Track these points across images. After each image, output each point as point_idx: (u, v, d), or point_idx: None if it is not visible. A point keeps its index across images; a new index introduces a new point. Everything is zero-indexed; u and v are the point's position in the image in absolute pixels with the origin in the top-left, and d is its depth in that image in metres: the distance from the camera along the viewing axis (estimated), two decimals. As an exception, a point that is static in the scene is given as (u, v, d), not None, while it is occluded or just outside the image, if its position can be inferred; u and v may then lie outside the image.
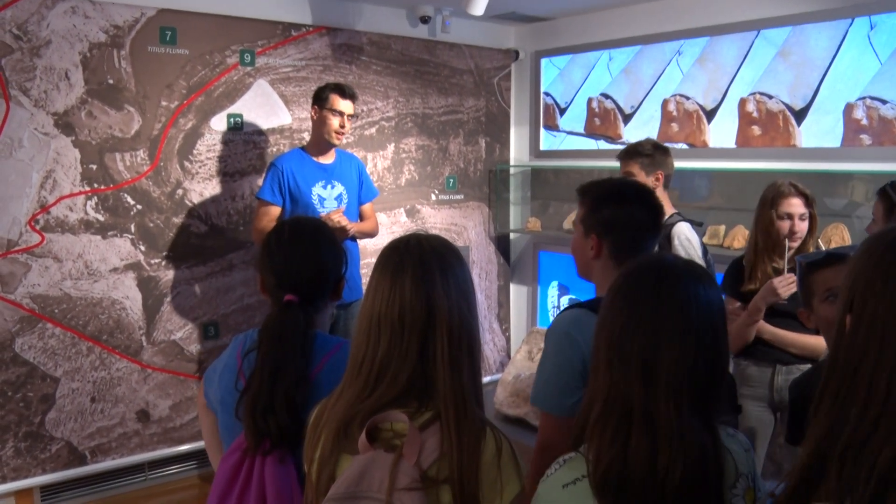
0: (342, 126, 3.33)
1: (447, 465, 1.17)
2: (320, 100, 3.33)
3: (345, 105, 3.32)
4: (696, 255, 2.94)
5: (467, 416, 1.20)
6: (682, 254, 2.92)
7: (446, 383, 1.21)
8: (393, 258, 1.28)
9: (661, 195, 3.08)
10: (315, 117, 3.37)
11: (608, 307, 1.20)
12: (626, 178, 1.84)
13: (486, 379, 4.79)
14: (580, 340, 1.62)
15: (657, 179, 3.02)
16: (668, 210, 3.07)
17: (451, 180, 4.59)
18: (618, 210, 1.75)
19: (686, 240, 2.92)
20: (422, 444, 1.16)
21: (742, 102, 3.67)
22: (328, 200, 3.41)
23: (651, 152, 3.02)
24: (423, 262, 1.26)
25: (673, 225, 2.98)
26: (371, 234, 3.58)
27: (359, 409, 1.21)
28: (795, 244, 2.67)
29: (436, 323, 1.23)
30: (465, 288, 1.29)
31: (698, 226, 3.05)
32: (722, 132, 3.77)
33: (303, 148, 3.46)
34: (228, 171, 3.68)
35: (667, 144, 3.89)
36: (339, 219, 3.25)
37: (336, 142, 3.39)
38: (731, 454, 1.20)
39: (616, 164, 3.15)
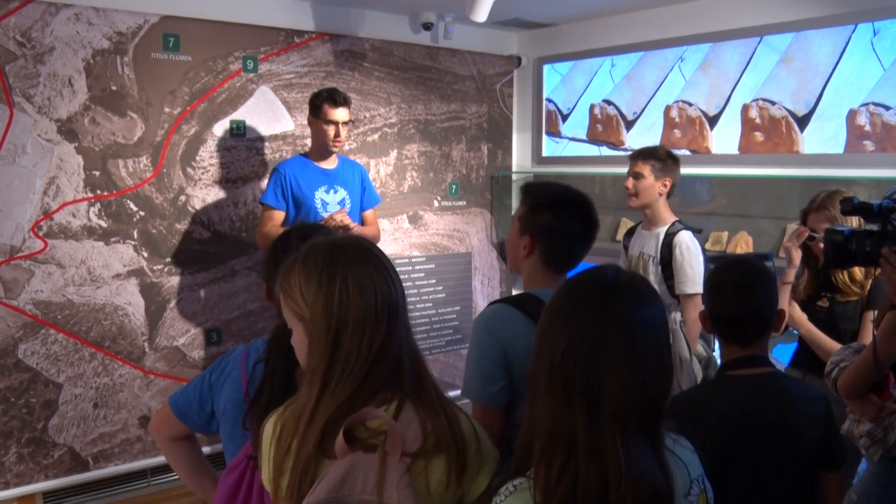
0: (337, 135, 3.33)
1: (434, 438, 1.18)
2: (314, 108, 3.33)
3: (338, 113, 3.30)
4: (696, 264, 2.95)
5: (435, 388, 1.25)
6: (681, 261, 2.94)
7: (413, 365, 1.25)
8: (363, 257, 1.25)
9: (663, 203, 3.10)
10: (312, 126, 3.39)
11: (547, 330, 1.14)
12: (569, 186, 1.90)
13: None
14: (498, 333, 1.75)
15: (664, 185, 3.06)
16: (669, 218, 3.09)
17: (454, 186, 4.59)
18: (553, 218, 1.80)
19: (686, 249, 2.96)
20: (403, 438, 1.16)
21: (745, 109, 3.67)
22: (331, 205, 3.41)
23: (665, 158, 3.08)
24: (380, 255, 1.28)
25: (675, 234, 3.00)
26: (373, 241, 3.58)
27: (349, 407, 1.19)
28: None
29: (401, 309, 1.26)
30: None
31: (698, 232, 3.06)
32: (725, 138, 3.77)
33: (305, 154, 3.47)
34: (231, 178, 3.69)
35: (669, 151, 3.90)
36: (342, 218, 3.25)
37: (335, 150, 3.40)
38: (682, 461, 1.18)
39: (618, 169, 3.16)
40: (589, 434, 1.05)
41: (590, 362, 1.07)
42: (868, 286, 2.49)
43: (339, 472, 1.13)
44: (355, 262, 1.23)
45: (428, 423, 1.19)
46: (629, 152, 3.23)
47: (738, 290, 1.71)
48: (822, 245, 2.48)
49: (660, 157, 3.05)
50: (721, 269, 1.82)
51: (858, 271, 2.50)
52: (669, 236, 3.01)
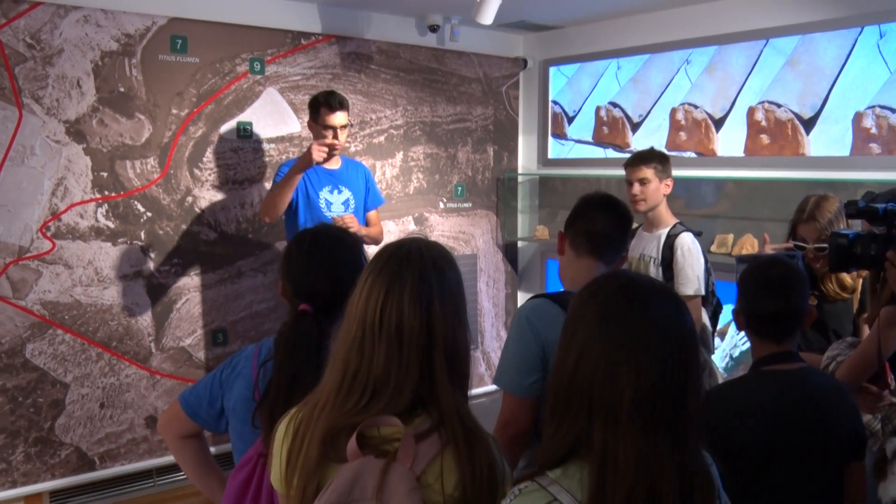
0: (335, 139, 3.31)
1: (459, 482, 1.15)
2: (313, 112, 3.32)
3: (335, 118, 3.26)
4: (697, 266, 2.96)
5: (476, 437, 1.19)
6: (682, 263, 2.95)
7: (451, 404, 1.19)
8: (391, 265, 1.22)
9: (665, 205, 3.12)
10: (311, 130, 3.39)
11: (568, 331, 1.13)
12: (606, 193, 2.06)
13: (493, 386, 4.78)
14: (538, 326, 1.80)
15: (667, 186, 3.09)
16: (671, 220, 3.11)
17: (460, 188, 4.60)
18: (579, 207, 2.00)
19: (688, 251, 2.98)
20: (415, 450, 1.14)
21: (751, 111, 3.67)
22: (335, 205, 3.42)
23: (662, 159, 3.12)
24: (423, 276, 1.21)
25: (677, 235, 3.01)
26: (376, 241, 3.59)
27: (355, 420, 1.17)
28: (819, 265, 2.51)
29: (434, 343, 1.19)
30: (459, 304, 1.26)
31: (698, 235, 3.07)
32: (730, 141, 3.77)
33: (308, 156, 3.47)
34: (238, 179, 3.70)
35: (675, 153, 3.92)
36: (344, 223, 3.26)
37: (335, 153, 3.39)
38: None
39: (624, 172, 3.17)
40: (606, 438, 1.05)
41: (602, 364, 1.07)
42: (859, 287, 2.49)
43: (349, 476, 1.13)
44: (382, 270, 1.22)
45: (464, 469, 1.15)
46: (633, 153, 3.23)
47: (778, 288, 1.74)
48: (811, 256, 2.49)
49: (658, 159, 3.09)
50: (758, 267, 1.83)
51: (848, 277, 2.50)
52: (671, 238, 3.03)
